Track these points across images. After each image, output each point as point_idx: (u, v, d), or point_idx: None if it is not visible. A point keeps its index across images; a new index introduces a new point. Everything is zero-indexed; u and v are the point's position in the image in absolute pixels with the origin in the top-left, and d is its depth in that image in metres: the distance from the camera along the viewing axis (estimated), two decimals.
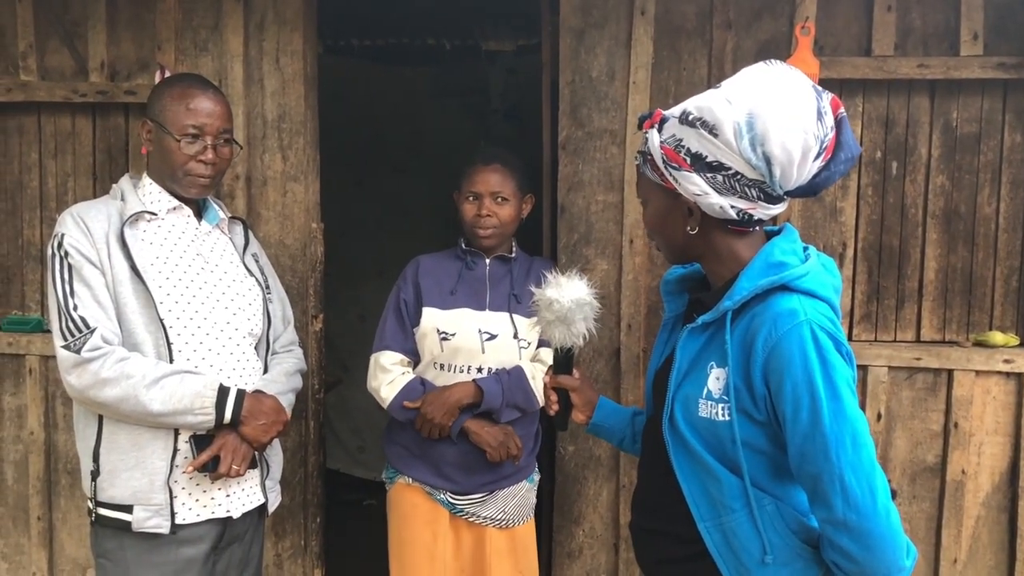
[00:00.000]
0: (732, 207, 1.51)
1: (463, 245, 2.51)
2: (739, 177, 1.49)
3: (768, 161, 1.45)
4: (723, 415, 1.52)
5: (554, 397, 1.85)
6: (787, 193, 1.52)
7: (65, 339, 1.94)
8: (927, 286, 2.73)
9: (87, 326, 1.94)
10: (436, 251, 2.59)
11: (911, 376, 2.71)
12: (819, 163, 1.48)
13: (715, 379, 1.54)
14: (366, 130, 4.97)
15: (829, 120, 1.47)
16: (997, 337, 2.66)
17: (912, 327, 2.75)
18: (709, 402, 1.54)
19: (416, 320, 2.45)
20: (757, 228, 1.58)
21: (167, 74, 2.72)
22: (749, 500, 1.52)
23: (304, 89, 2.79)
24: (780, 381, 1.45)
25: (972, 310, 2.73)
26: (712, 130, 1.47)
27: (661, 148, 1.54)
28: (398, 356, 2.45)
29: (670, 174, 1.54)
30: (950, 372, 2.68)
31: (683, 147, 1.51)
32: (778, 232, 1.61)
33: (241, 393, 2.04)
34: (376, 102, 4.96)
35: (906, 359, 2.68)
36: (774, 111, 1.43)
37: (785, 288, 1.51)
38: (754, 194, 1.50)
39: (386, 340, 2.47)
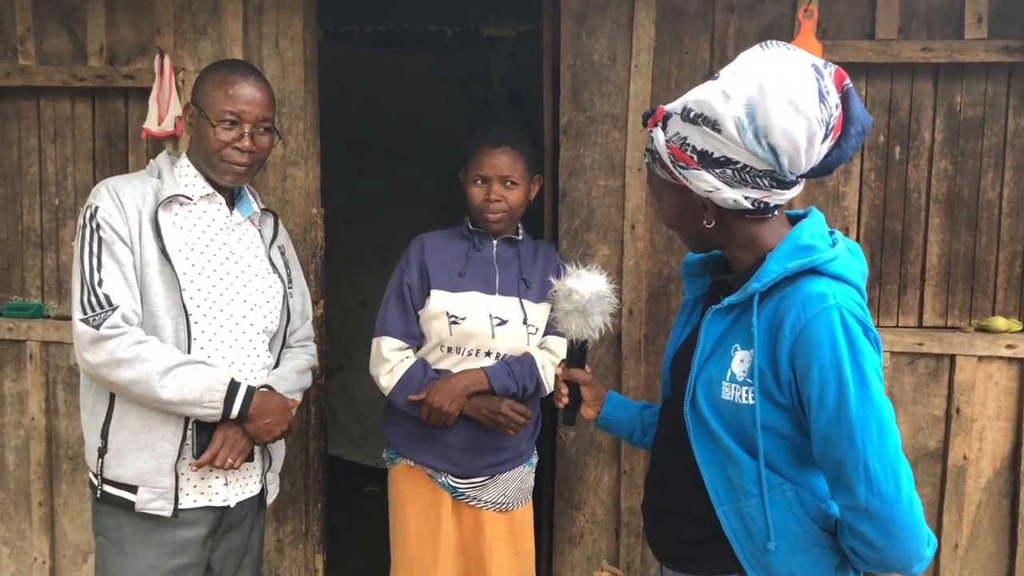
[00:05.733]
0: (746, 198, 1.50)
1: (469, 225, 2.48)
2: (748, 169, 1.47)
3: (774, 152, 1.43)
4: (747, 398, 1.50)
5: (565, 390, 1.87)
6: (801, 176, 1.50)
7: (85, 312, 1.92)
8: (930, 271, 2.72)
9: (110, 303, 1.92)
10: (439, 229, 2.54)
11: (913, 361, 2.70)
12: (828, 143, 1.46)
13: (739, 361, 1.52)
14: (368, 116, 4.95)
15: (833, 98, 1.44)
16: (999, 322, 2.65)
17: (914, 312, 2.74)
18: (733, 384, 1.52)
19: (422, 302, 2.42)
20: (776, 213, 1.57)
21: (166, 59, 2.71)
22: (769, 485, 1.51)
23: (304, 73, 2.78)
24: (807, 364, 1.43)
25: (975, 295, 2.72)
26: (714, 126, 1.45)
27: (667, 147, 1.52)
28: (397, 342, 2.41)
29: (680, 172, 1.52)
30: (952, 357, 2.67)
31: (688, 145, 1.49)
32: (803, 216, 1.60)
33: (251, 391, 2.03)
34: (378, 88, 4.94)
35: (908, 344, 2.67)
36: (774, 100, 1.41)
37: (814, 271, 1.49)
38: (766, 183, 1.48)
39: (386, 325, 2.43)
